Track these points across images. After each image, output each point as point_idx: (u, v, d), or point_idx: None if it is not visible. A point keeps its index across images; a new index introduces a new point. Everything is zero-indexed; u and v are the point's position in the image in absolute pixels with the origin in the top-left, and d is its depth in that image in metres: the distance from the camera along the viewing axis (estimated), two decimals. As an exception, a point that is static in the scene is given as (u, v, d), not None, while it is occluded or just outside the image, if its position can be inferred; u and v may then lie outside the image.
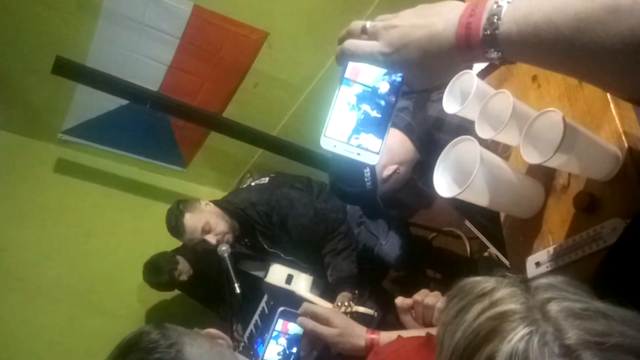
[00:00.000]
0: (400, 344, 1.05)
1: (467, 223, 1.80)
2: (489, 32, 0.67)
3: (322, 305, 2.29)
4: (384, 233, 2.56)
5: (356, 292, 2.36)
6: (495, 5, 0.67)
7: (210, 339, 0.93)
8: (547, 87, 1.18)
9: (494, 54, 0.69)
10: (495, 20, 0.66)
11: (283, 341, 1.31)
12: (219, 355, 0.90)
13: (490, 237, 1.75)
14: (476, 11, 0.69)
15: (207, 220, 2.47)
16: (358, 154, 0.82)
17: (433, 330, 1.03)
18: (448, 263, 2.68)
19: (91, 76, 2.73)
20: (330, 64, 2.93)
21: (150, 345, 0.86)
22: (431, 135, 1.80)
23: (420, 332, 1.21)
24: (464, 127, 1.57)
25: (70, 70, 2.66)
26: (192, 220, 2.46)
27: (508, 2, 0.67)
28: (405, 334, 1.23)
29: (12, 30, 2.78)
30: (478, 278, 0.74)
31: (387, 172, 1.74)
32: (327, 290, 2.54)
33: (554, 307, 0.64)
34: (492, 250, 1.74)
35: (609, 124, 1.02)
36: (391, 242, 2.53)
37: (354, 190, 1.85)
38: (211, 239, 2.44)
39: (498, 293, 0.69)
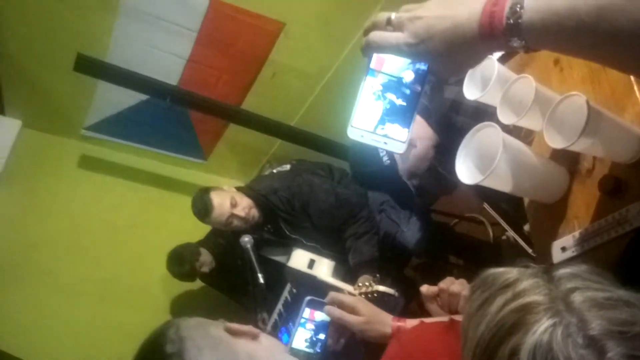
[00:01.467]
0: (422, 329, 1.06)
1: (486, 206, 1.79)
2: (512, 21, 0.67)
3: (343, 287, 2.32)
4: (405, 220, 2.56)
5: (377, 274, 2.36)
6: None
7: (227, 337, 0.94)
8: (570, 70, 1.17)
9: (517, 43, 0.69)
10: (518, 9, 0.67)
11: (311, 326, 1.32)
12: (230, 356, 0.91)
13: (511, 222, 1.74)
14: (500, 0, 0.69)
15: (232, 195, 2.52)
16: (385, 142, 0.83)
17: (458, 318, 1.04)
18: (471, 249, 2.67)
19: (111, 72, 2.77)
20: (347, 53, 2.92)
21: None
22: (449, 118, 1.80)
23: (445, 319, 1.22)
24: (481, 110, 1.56)
25: (91, 67, 2.70)
26: (219, 197, 2.51)
27: None
28: (429, 321, 1.24)
29: (33, 28, 2.81)
30: (501, 269, 0.74)
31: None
32: (349, 276, 2.55)
33: (577, 298, 0.64)
34: (510, 233, 1.74)
35: (633, 106, 1.02)
36: (412, 229, 2.53)
37: (373, 170, 1.85)
38: (240, 212, 2.49)
39: (521, 284, 0.69)
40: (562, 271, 0.70)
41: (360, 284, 2.20)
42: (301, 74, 3.12)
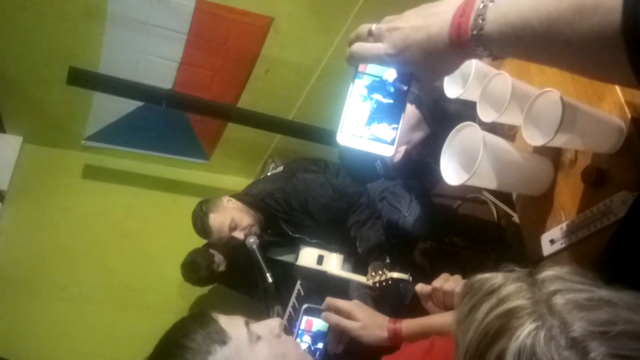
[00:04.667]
0: (404, 356, 1.08)
1: (485, 193, 1.80)
2: (475, 32, 0.70)
3: (356, 279, 2.32)
4: (406, 205, 2.55)
5: (387, 258, 2.36)
6: (481, 5, 0.70)
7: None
8: (548, 60, 1.16)
9: (483, 52, 0.72)
10: (480, 20, 0.69)
11: (307, 339, 1.34)
12: None
13: (510, 202, 1.75)
14: (466, 11, 0.71)
15: (232, 217, 2.50)
16: (374, 147, 0.84)
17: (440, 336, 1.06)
18: (476, 230, 2.66)
19: (105, 82, 2.78)
20: (339, 41, 2.91)
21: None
22: (440, 105, 1.80)
23: (444, 317, 1.23)
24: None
25: (84, 79, 2.70)
26: (217, 220, 2.51)
27: (492, 2, 0.69)
28: (426, 320, 1.25)
29: (25, 45, 2.82)
30: (487, 275, 0.75)
31: (398, 157, 1.74)
32: (358, 267, 2.56)
33: (559, 300, 0.65)
34: (516, 218, 1.74)
35: (611, 95, 1.01)
36: (414, 213, 2.52)
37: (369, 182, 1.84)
38: (238, 234, 2.49)
39: (505, 289, 0.70)
40: (545, 274, 0.71)
41: (373, 274, 2.19)
42: (294, 67, 3.11)
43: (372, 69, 0.84)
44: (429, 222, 2.52)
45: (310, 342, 1.34)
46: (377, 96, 0.84)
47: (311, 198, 2.51)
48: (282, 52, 3.03)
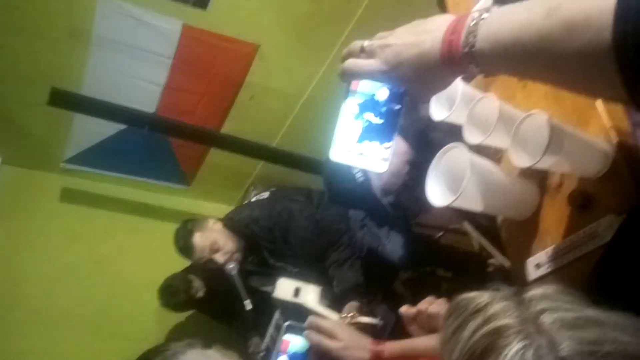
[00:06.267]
0: None
1: (467, 225, 1.80)
2: (467, 49, 0.70)
3: (330, 316, 2.29)
4: (386, 233, 2.54)
5: (364, 300, 2.34)
6: (472, 23, 0.69)
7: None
8: (533, 85, 1.18)
9: (475, 69, 0.72)
10: (471, 38, 0.69)
11: (285, 358, 1.32)
12: None
13: (491, 237, 1.75)
14: (457, 28, 0.71)
15: (216, 239, 2.48)
16: (367, 163, 0.84)
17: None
18: (458, 261, 2.66)
19: (87, 104, 2.76)
20: (324, 70, 2.93)
21: None
22: (425, 135, 1.80)
23: (427, 340, 1.21)
24: (457, 125, 1.57)
25: (66, 100, 2.68)
26: (201, 240, 2.48)
27: (482, 20, 0.69)
28: (409, 342, 1.23)
29: (6, 64, 2.80)
30: (472, 294, 0.74)
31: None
32: (337, 300, 2.52)
33: (546, 319, 0.64)
34: (497, 258, 1.74)
35: (596, 119, 1.02)
36: (394, 241, 2.51)
37: (348, 187, 1.84)
38: (219, 257, 2.46)
39: (492, 308, 0.69)
40: (532, 293, 0.70)
41: (345, 314, 2.18)
42: (279, 94, 3.12)
43: (365, 87, 0.85)
44: (407, 249, 2.51)
45: None
46: (369, 114, 0.85)
47: (293, 229, 2.49)
48: (267, 79, 3.05)
